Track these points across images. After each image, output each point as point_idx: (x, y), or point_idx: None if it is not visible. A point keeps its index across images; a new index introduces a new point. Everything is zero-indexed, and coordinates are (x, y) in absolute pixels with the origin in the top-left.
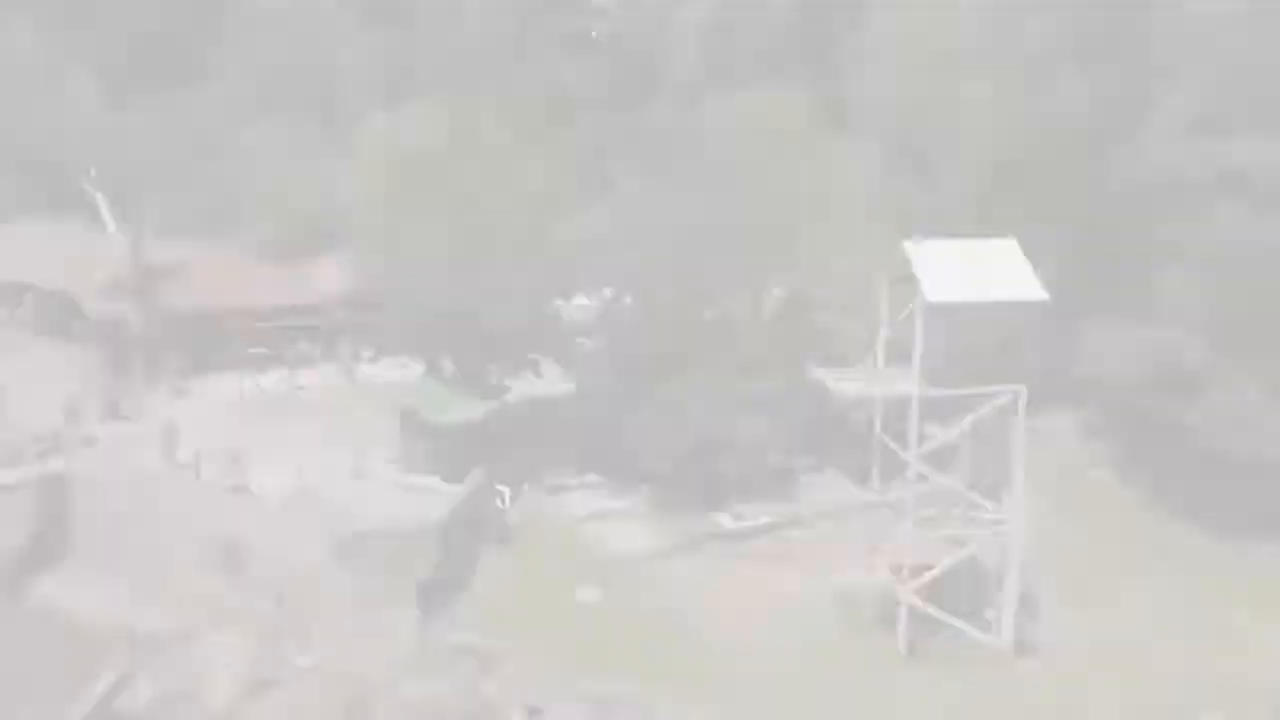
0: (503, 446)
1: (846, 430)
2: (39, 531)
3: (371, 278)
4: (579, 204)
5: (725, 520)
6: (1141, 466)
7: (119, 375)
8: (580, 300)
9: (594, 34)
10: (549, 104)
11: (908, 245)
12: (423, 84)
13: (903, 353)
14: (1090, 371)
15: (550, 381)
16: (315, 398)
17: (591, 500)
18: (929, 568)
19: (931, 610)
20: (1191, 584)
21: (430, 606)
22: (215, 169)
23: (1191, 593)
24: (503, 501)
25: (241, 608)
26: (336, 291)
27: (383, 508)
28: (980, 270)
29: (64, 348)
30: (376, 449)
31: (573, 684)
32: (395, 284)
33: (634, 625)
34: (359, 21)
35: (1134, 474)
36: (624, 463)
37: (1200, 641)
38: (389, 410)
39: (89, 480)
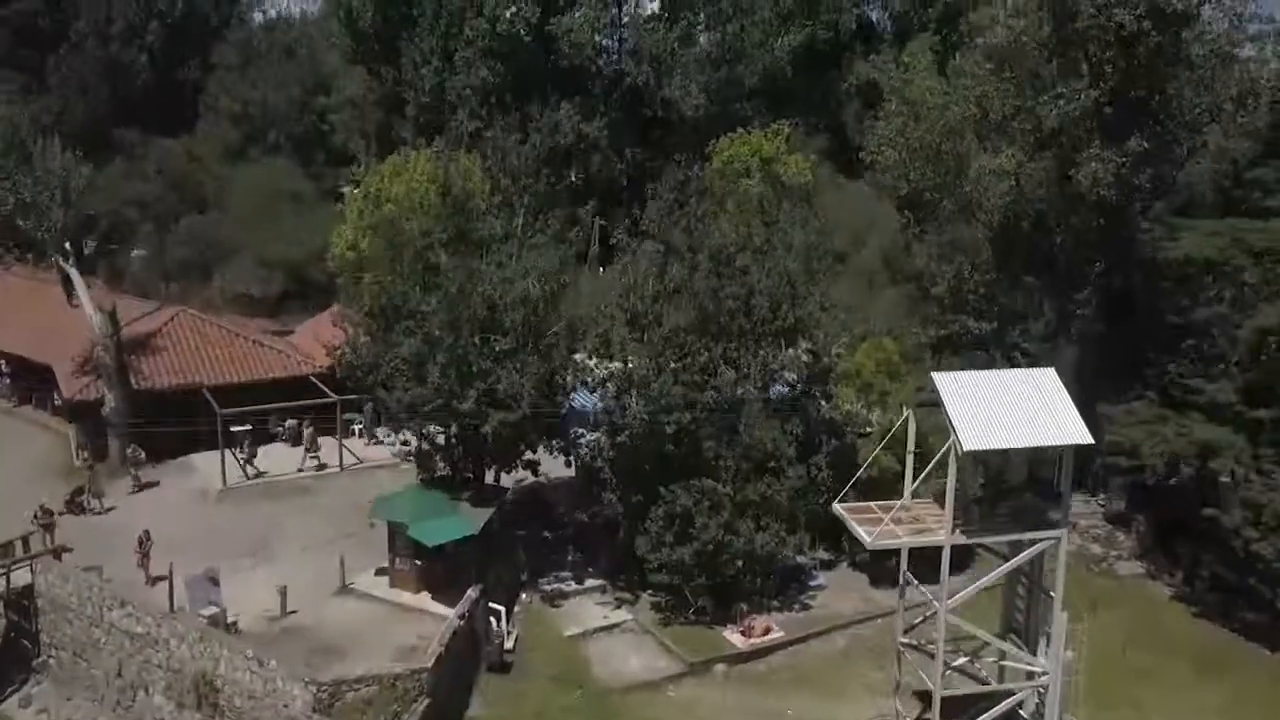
0: (498, 555)
1: None
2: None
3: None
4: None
5: (736, 639)
6: (1171, 560)
7: (94, 460)
8: (581, 390)
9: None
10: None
11: (937, 377)
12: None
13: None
14: (1117, 462)
15: (549, 474)
16: (304, 482)
17: (593, 611)
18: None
19: None
20: (1225, 692)
21: None
22: (200, 222)
23: (1228, 702)
24: (498, 623)
25: None
26: (326, 361)
27: (369, 635)
28: (1018, 409)
29: (40, 427)
30: (365, 555)
31: None
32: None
33: None
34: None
35: (1163, 568)
36: (627, 566)
37: None
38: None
39: (54, 599)
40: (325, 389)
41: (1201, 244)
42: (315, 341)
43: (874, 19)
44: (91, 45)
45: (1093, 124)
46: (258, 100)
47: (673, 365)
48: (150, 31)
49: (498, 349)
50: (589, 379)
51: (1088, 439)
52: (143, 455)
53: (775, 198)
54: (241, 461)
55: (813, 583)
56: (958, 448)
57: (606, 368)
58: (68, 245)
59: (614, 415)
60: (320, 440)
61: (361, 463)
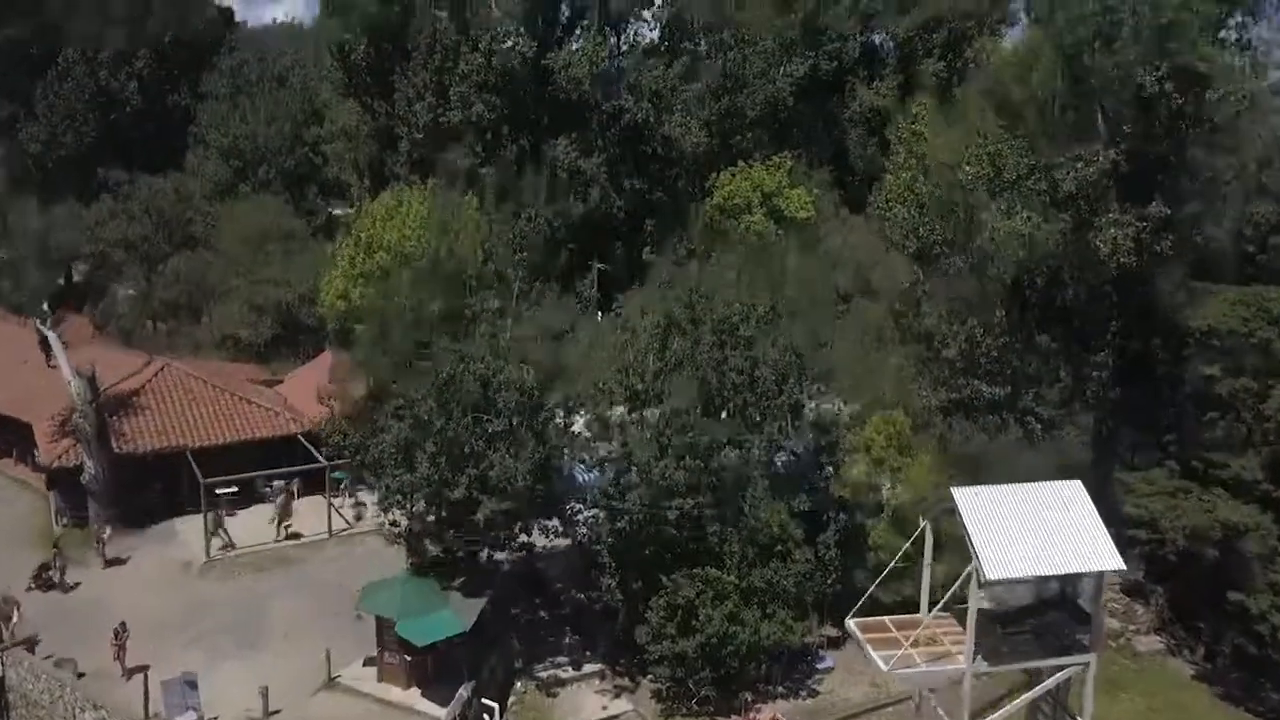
0: (490, 644)
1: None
2: None
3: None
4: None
5: None
6: (1192, 634)
7: (70, 530)
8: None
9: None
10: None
11: (957, 493)
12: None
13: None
14: (1136, 535)
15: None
16: (290, 553)
17: (591, 701)
18: None
19: None
20: None
21: None
22: (188, 262)
23: None
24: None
25: None
26: (315, 416)
27: None
28: (1044, 529)
29: (21, 485)
30: (352, 639)
31: None
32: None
33: None
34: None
35: (1183, 642)
36: (627, 649)
37: None
38: (372, 570)
39: (25, 694)
40: (314, 450)
41: (1225, 312)
42: (305, 391)
43: (878, 42)
44: (80, 72)
45: (1109, 184)
46: (248, 134)
47: (673, 445)
48: (140, 58)
49: (490, 430)
50: (587, 457)
51: (1119, 565)
52: (108, 533)
53: (779, 246)
54: (209, 533)
55: (820, 665)
56: (979, 574)
57: (606, 448)
58: (45, 307)
59: (613, 499)
60: (300, 502)
61: (351, 526)
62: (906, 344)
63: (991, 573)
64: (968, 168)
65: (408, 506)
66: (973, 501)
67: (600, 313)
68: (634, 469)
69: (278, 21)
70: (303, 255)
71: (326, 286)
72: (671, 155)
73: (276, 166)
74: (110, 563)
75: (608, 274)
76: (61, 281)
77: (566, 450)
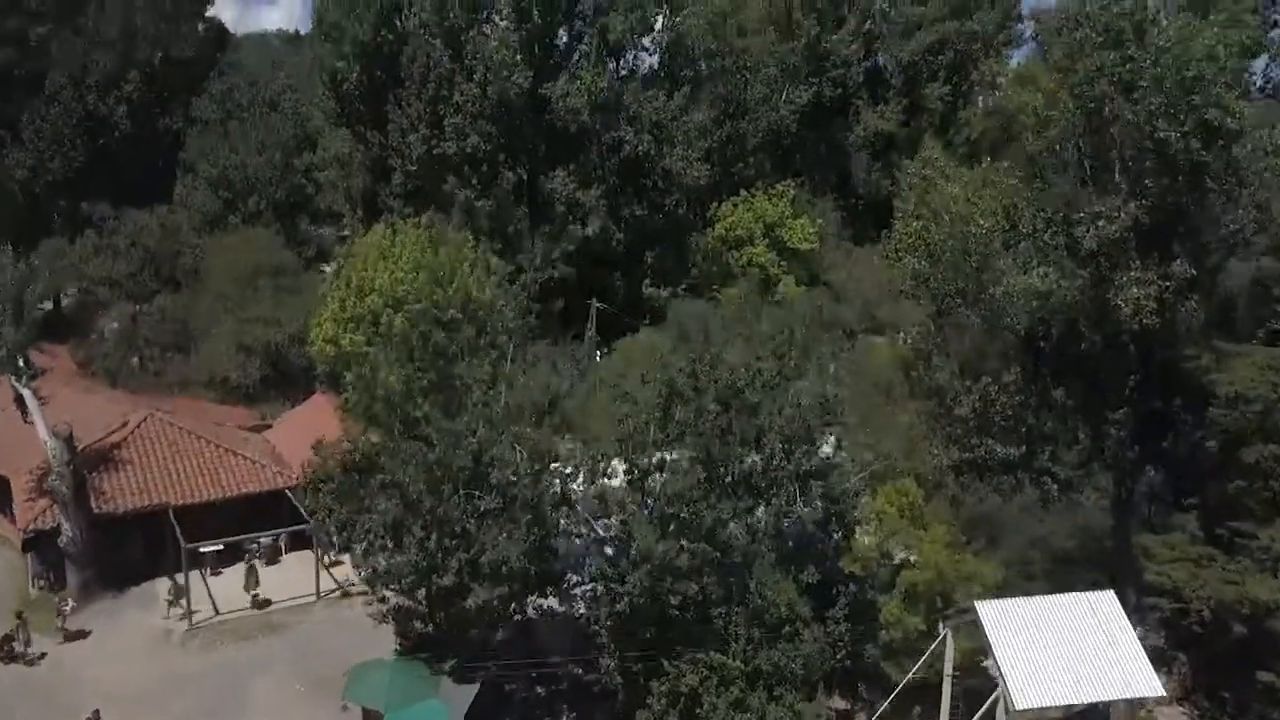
0: None
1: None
2: None
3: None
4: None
5: None
6: (1217, 705)
7: (45, 594)
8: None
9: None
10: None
11: (981, 608)
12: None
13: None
14: (1157, 603)
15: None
16: (275, 619)
17: None
18: None
19: None
20: None
21: None
22: (175, 300)
23: None
24: None
25: None
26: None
27: None
28: (1076, 650)
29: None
30: None
31: None
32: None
33: None
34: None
35: (1208, 714)
36: None
37: None
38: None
39: None
40: (301, 507)
41: (1253, 377)
42: (295, 437)
43: (882, 63)
44: (68, 96)
45: (1129, 237)
46: (237, 164)
47: (676, 523)
48: (129, 81)
49: (482, 507)
50: (584, 532)
51: (1157, 690)
52: (70, 606)
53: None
54: (170, 601)
55: None
56: (1008, 701)
57: (605, 524)
58: (21, 363)
59: (611, 581)
60: (288, 557)
61: (340, 587)
62: (916, 398)
63: (1021, 702)
64: (981, 221)
65: (395, 587)
66: (999, 618)
67: (599, 353)
68: (634, 547)
69: (275, 31)
70: (293, 292)
71: (316, 329)
72: (672, 188)
73: (267, 197)
74: (71, 636)
75: (607, 310)
76: (50, 305)
77: (564, 521)
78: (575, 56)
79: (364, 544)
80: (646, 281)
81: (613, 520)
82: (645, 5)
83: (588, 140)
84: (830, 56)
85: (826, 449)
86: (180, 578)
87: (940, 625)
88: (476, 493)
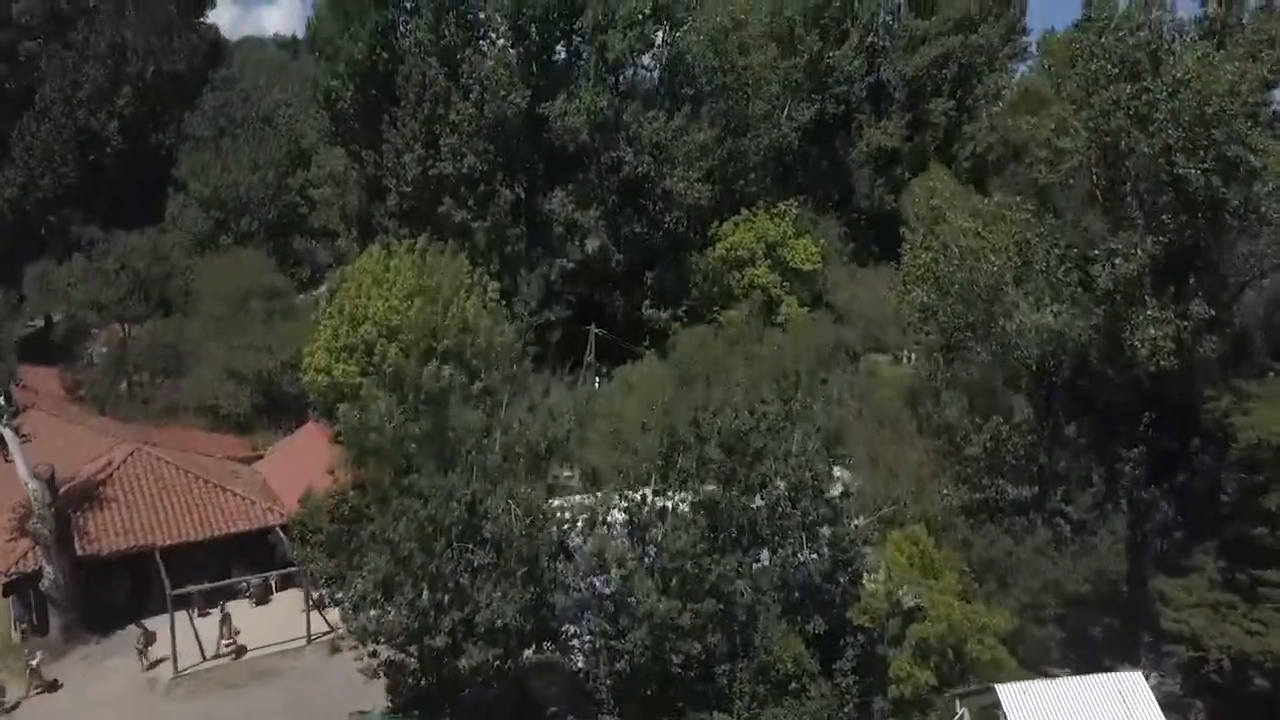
0: None
1: None
2: None
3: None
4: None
5: None
6: None
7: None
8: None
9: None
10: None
11: (1002, 691)
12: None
13: None
14: (1175, 650)
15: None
16: (267, 664)
17: None
18: None
19: None
20: None
21: None
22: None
23: None
24: None
25: None
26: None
27: None
28: None
29: None
30: None
31: None
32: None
33: None
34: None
35: None
36: None
37: None
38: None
39: None
40: (290, 549)
41: (1275, 421)
42: (286, 468)
43: (885, 77)
44: (59, 112)
45: (1145, 275)
46: (230, 183)
47: (678, 574)
48: (121, 96)
49: (476, 562)
50: (581, 587)
51: None
52: (38, 659)
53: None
54: (138, 649)
55: None
56: None
57: (602, 580)
58: (2, 400)
59: (611, 639)
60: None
61: (332, 630)
62: (925, 435)
63: None
64: (993, 257)
65: (386, 642)
66: (1019, 701)
67: (599, 380)
68: (635, 604)
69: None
70: (286, 315)
71: (308, 357)
72: (672, 208)
73: (260, 218)
74: (41, 689)
75: (606, 336)
76: (40, 323)
77: (561, 575)
78: (574, 74)
79: (353, 600)
80: (647, 302)
81: (613, 574)
82: (644, 22)
83: (586, 159)
84: (833, 73)
85: (834, 491)
86: (149, 624)
87: (957, 704)
88: (470, 546)
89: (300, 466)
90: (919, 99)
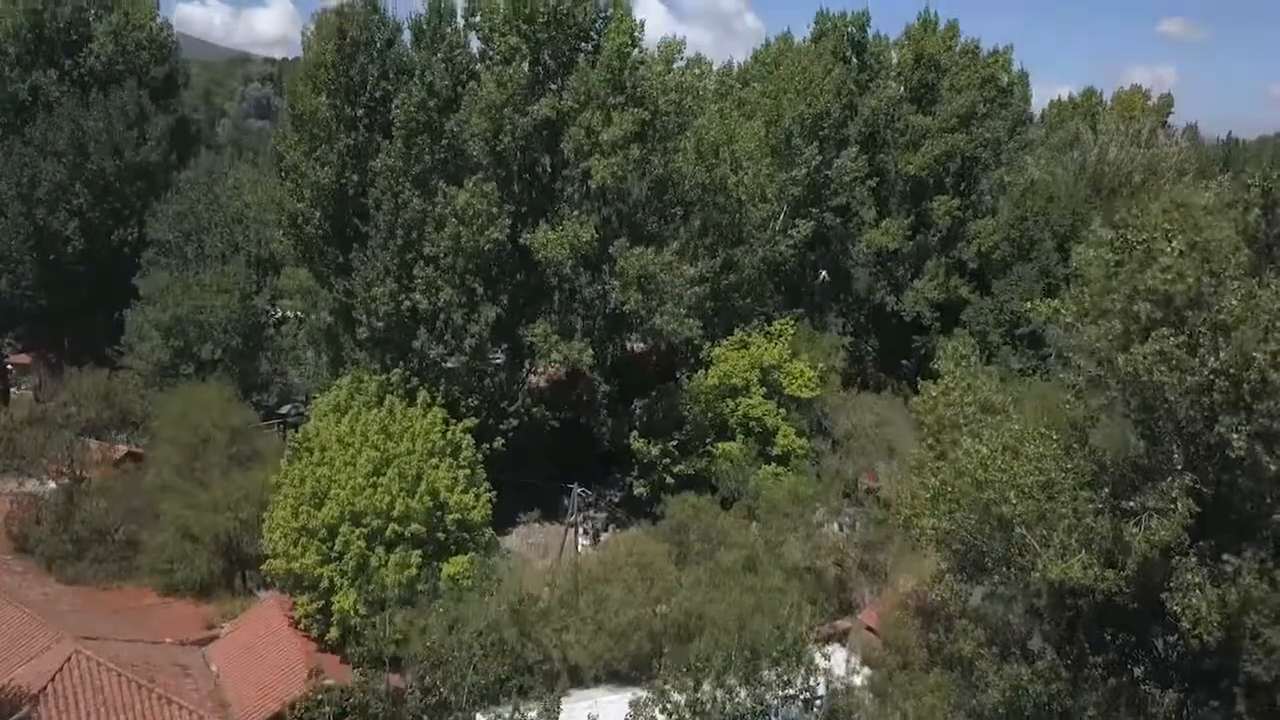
0: None
1: None
2: None
3: None
4: None
5: None
6: None
7: None
8: None
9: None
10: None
11: None
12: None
13: None
14: None
15: None
16: None
17: None
18: None
19: None
20: None
21: None
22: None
23: None
24: None
25: None
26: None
27: None
28: None
29: None
30: None
31: None
32: None
33: None
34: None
35: None
36: None
37: None
38: None
39: None
40: None
41: None
42: (241, 655)
43: (887, 177)
44: (16, 210)
45: (1186, 536)
46: (192, 309)
47: None
48: (80, 195)
49: None
50: None
51: None
52: None
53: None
54: None
55: None
56: None
57: None
58: None
59: None
60: None
61: None
62: (937, 663)
63: None
64: (1013, 500)
65: None
66: None
67: (583, 541)
68: None
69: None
70: (248, 461)
71: (268, 534)
72: (661, 342)
73: (223, 345)
74: None
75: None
76: None
77: None
78: (557, 201)
79: None
80: (635, 433)
81: None
82: (629, 145)
83: (570, 290)
84: (831, 184)
85: None
86: None
87: None
88: None
89: (255, 657)
90: (921, 196)
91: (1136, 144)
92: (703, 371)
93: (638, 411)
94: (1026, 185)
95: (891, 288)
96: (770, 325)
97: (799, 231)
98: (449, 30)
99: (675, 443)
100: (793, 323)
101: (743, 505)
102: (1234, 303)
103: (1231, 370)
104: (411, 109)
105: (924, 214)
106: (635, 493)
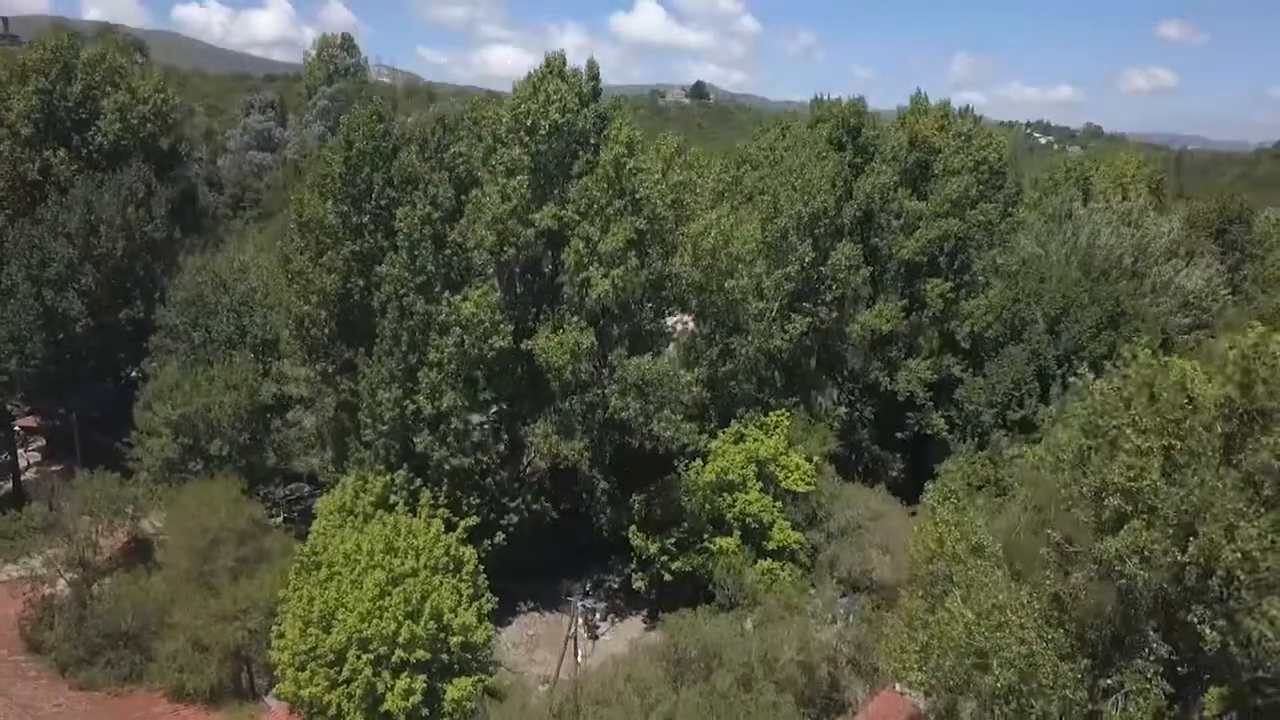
0: None
1: None
2: None
3: None
4: None
5: None
6: None
7: None
8: None
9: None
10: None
11: None
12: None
13: None
14: None
15: None
16: None
17: None
18: None
19: None
20: None
21: None
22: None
23: None
24: None
25: None
26: None
27: None
28: None
29: None
30: None
31: None
32: None
33: None
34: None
35: None
36: None
37: None
38: None
39: None
40: None
41: None
42: None
43: (881, 253)
44: (25, 291)
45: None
46: (200, 407)
47: None
48: (89, 275)
49: None
50: None
51: None
52: None
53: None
54: None
55: None
56: None
57: None
58: None
59: None
60: None
61: None
62: None
63: None
64: (996, 670)
65: None
66: None
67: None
68: None
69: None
70: (257, 563)
71: (277, 654)
72: (658, 445)
73: (231, 441)
74: None
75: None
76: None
77: None
78: (557, 310)
79: None
80: (634, 527)
81: None
82: (626, 258)
83: (570, 393)
84: (827, 280)
85: None
86: None
87: None
88: None
89: None
90: (915, 277)
91: (1126, 223)
92: (700, 464)
93: (636, 505)
94: (1019, 265)
95: (885, 367)
96: (766, 416)
97: (795, 327)
98: (451, 140)
99: (673, 540)
100: (788, 414)
101: (740, 612)
102: (1194, 499)
103: (1201, 561)
104: (415, 221)
105: (917, 294)
106: (634, 586)
